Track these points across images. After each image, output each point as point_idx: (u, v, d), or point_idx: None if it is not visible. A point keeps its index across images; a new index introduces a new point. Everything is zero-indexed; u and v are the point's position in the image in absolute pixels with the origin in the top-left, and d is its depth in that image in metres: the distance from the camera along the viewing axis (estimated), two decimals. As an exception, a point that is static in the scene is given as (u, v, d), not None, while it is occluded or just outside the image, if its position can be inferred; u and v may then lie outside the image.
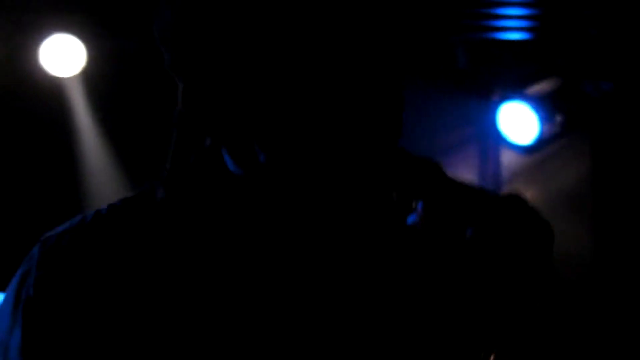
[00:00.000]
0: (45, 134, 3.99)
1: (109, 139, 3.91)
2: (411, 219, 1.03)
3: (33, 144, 3.99)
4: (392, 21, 1.09)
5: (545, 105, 3.73)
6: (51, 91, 3.89)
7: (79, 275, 1.05)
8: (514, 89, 3.79)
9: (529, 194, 3.76)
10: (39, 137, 4.00)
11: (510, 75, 3.77)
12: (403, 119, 1.09)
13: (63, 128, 3.96)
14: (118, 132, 3.88)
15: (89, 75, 3.84)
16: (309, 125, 1.01)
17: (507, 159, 4.01)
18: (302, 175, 1.03)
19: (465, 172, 3.94)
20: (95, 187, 3.99)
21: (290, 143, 1.01)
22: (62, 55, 3.75)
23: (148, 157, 3.74)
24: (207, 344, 1.06)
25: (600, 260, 3.82)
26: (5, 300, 1.09)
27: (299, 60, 1.00)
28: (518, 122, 3.77)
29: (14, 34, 3.76)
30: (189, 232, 1.11)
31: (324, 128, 1.02)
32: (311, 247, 1.11)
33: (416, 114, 1.55)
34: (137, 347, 1.05)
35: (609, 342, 1.11)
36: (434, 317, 1.09)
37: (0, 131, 3.98)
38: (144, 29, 3.56)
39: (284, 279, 1.09)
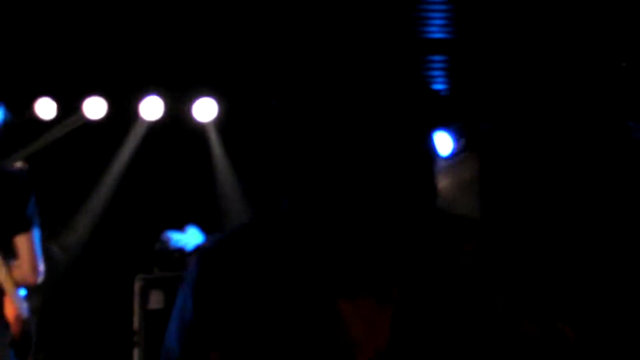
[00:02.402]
0: (193, 157, 6.90)
1: (234, 161, 6.83)
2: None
3: (187, 161, 6.88)
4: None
5: (456, 134, 6.71)
6: (197, 130, 6.89)
7: (225, 273, 1.55)
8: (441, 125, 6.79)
9: (445, 182, 6.84)
10: (190, 158, 6.91)
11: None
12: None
13: (205, 153, 6.92)
14: (240, 156, 6.81)
15: (221, 120, 6.85)
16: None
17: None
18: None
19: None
20: (225, 191, 6.86)
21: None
22: (205, 108, 6.68)
23: (263, 177, 6.25)
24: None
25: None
26: (183, 287, 1.61)
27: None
28: (442, 142, 6.77)
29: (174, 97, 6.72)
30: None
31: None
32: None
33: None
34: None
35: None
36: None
37: (167, 155, 6.90)
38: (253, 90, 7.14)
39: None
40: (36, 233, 3.89)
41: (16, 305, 3.93)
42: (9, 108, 5.81)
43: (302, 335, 1.53)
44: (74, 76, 6.36)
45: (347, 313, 1.58)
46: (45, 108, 6.48)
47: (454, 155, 6.79)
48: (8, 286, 3.88)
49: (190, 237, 6.50)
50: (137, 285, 5.92)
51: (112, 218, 7.14)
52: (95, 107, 6.53)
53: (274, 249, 1.58)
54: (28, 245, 3.85)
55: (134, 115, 6.62)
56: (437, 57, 6.22)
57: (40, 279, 3.91)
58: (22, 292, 4.02)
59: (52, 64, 6.11)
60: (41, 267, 3.90)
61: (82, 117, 6.54)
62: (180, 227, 6.41)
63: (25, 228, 3.84)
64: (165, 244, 6.46)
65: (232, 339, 1.55)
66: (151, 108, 6.61)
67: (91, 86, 6.49)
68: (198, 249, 1.53)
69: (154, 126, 6.75)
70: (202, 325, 1.57)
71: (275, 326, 1.55)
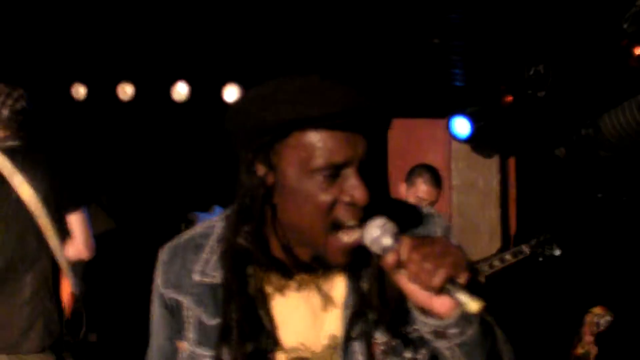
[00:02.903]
0: (219, 139, 7.03)
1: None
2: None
3: (213, 143, 6.82)
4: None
5: (474, 118, 6.86)
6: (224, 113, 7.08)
7: (167, 274, 1.75)
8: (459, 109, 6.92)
9: (465, 161, 7.05)
10: (216, 140, 6.97)
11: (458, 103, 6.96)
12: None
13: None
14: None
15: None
16: None
17: (456, 144, 7.21)
18: None
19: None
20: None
21: None
22: (231, 91, 6.85)
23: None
24: None
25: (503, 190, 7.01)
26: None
27: None
28: (460, 126, 6.93)
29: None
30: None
31: None
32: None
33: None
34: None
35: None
36: None
37: (193, 137, 7.09)
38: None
39: None
40: (85, 210, 4.05)
41: (70, 282, 4.07)
42: (47, 92, 6.11)
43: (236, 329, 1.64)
44: (107, 63, 6.55)
45: (287, 312, 1.67)
46: (80, 92, 6.70)
47: (471, 138, 6.88)
48: (64, 264, 4.01)
49: (216, 218, 6.64)
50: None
51: (140, 199, 7.35)
52: (127, 91, 6.72)
53: (220, 246, 1.74)
54: (80, 221, 4.00)
55: (164, 97, 6.78)
56: (455, 42, 6.27)
57: (93, 254, 4.07)
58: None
59: (87, 52, 6.32)
60: (93, 242, 4.06)
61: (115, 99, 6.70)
62: (206, 208, 6.58)
63: (77, 205, 3.99)
64: (192, 224, 6.62)
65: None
66: (180, 92, 6.80)
67: (123, 72, 6.69)
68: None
69: (182, 109, 6.89)
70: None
71: (210, 321, 1.69)
